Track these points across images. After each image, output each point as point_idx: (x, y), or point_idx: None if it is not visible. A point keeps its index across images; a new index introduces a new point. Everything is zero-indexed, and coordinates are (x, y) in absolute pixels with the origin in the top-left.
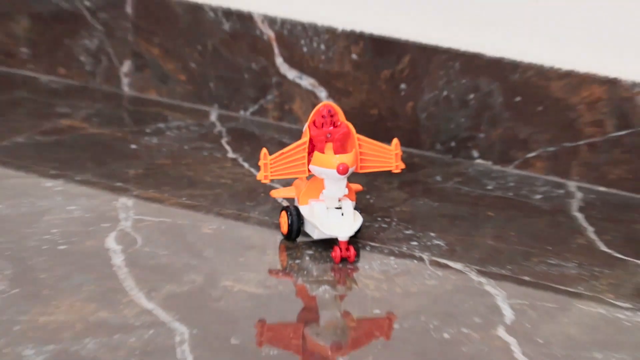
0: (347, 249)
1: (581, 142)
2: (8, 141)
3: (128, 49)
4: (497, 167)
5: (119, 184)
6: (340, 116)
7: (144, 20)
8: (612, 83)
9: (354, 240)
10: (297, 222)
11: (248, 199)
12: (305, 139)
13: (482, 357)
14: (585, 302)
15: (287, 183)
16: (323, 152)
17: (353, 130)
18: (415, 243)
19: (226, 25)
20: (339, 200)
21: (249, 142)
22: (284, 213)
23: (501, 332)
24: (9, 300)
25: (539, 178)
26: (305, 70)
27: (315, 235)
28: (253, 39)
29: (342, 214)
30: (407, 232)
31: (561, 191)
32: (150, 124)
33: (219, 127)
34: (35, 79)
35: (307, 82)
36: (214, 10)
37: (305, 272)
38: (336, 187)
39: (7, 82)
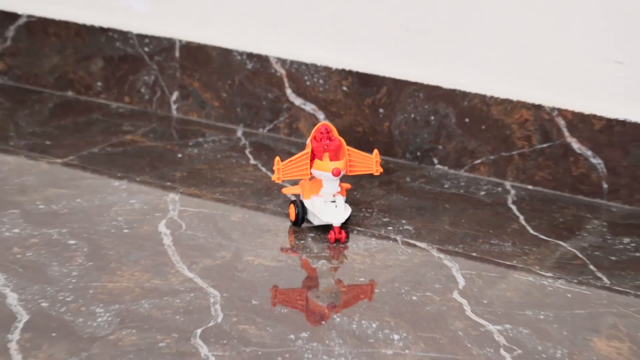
0: (340, 232)
1: (514, 152)
2: (86, 151)
3: (176, 83)
4: (452, 171)
5: (168, 183)
6: (334, 133)
7: (187, 61)
8: (536, 108)
9: (345, 225)
10: (302, 212)
11: (265, 195)
12: (308, 149)
13: (442, 314)
14: (518, 272)
15: (294, 183)
16: (321, 160)
17: (344, 143)
18: (390, 228)
19: (249, 65)
20: (334, 196)
21: (266, 152)
22: (292, 205)
23: (456, 295)
24: (85, 271)
25: (483, 179)
26: (308, 99)
27: (316, 222)
28: (269, 75)
29: (336, 206)
30: (385, 219)
31: (499, 189)
32: (192, 139)
33: (243, 141)
34: (107, 105)
35: (309, 107)
36: (240, 54)
37: (308, 250)
38: (331, 185)
39: (86, 107)
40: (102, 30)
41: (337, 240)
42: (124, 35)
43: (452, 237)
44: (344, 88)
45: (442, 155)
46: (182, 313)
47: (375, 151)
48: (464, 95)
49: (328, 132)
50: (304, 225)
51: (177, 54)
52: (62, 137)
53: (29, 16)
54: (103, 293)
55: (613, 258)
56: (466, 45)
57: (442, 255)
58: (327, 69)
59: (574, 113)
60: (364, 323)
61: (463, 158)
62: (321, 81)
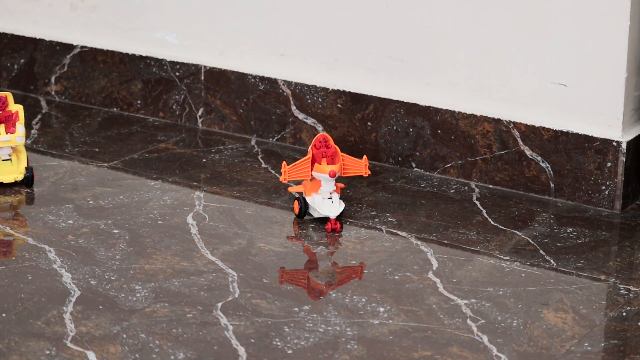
0: (335, 223)
1: (478, 158)
2: (127, 157)
3: (201, 101)
4: (427, 173)
5: (195, 183)
6: (331, 142)
7: (210, 83)
8: (496, 121)
9: (339, 218)
10: (304, 207)
11: (274, 193)
12: (309, 155)
13: (419, 291)
14: (481, 256)
15: (298, 183)
16: (320, 164)
17: (339, 150)
18: (377, 220)
19: (261, 86)
20: (330, 193)
21: (275, 157)
22: (296, 201)
23: (430, 275)
24: (126, 255)
25: (452, 180)
26: (309, 114)
27: (316, 215)
28: (277, 94)
29: (332, 202)
30: (372, 213)
31: (466, 188)
32: (214, 147)
33: (256, 149)
34: (145, 119)
35: (310, 120)
36: (254, 77)
37: (309, 238)
38: (328, 185)
39: (127, 121)
40: (141, 58)
41: (333, 230)
42: (159, 62)
43: (428, 227)
44: (339, 105)
45: (419, 160)
46: (205, 290)
47: (364, 157)
48: (437, 111)
49: (326, 141)
50: (306, 217)
51: (202, 77)
52: (108, 145)
53: (82, 47)
54: (141, 273)
55: (559, 244)
56: (439, 71)
57: (419, 242)
58: (324, 89)
59: (526, 126)
60: (355, 298)
61: (436, 162)
62: (320, 99)
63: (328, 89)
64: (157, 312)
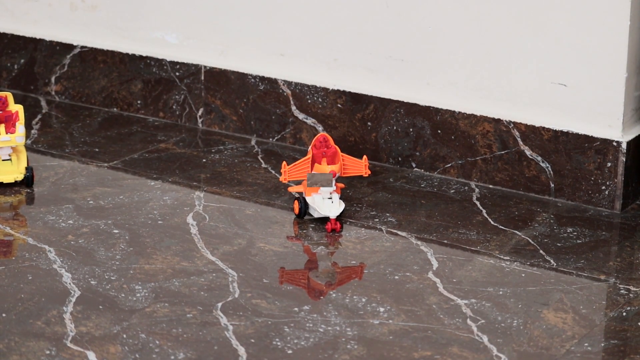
0: (335, 223)
1: (478, 158)
2: (127, 157)
3: (201, 101)
4: (427, 173)
5: (195, 183)
6: (331, 142)
7: (211, 83)
8: (496, 121)
9: (339, 218)
10: (304, 207)
11: (274, 193)
12: (309, 155)
13: (419, 291)
14: (481, 256)
15: (298, 183)
16: (320, 164)
17: (339, 150)
18: (377, 220)
19: (261, 86)
20: (330, 193)
21: (275, 157)
22: (296, 201)
23: (430, 275)
24: (126, 255)
25: (452, 180)
26: (310, 114)
27: (316, 215)
28: (277, 95)
29: (332, 202)
30: (372, 213)
31: (466, 188)
32: (214, 147)
33: (256, 149)
34: (145, 119)
35: (310, 120)
36: (254, 77)
37: (309, 238)
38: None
39: (127, 121)
40: (141, 58)
41: (333, 230)
42: (159, 62)
43: (428, 227)
44: (339, 105)
45: (419, 160)
46: (205, 290)
47: (365, 157)
48: (437, 111)
49: (326, 141)
50: (306, 217)
51: (202, 77)
52: (108, 145)
53: (82, 47)
54: (141, 273)
55: (559, 244)
56: (439, 71)
57: (419, 242)
58: (324, 89)
59: (526, 126)
60: (355, 298)
61: (436, 162)
62: (320, 99)
63: (328, 89)
64: (157, 312)
